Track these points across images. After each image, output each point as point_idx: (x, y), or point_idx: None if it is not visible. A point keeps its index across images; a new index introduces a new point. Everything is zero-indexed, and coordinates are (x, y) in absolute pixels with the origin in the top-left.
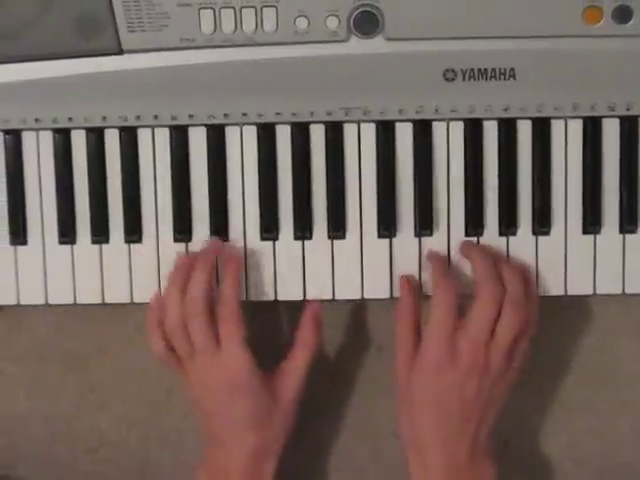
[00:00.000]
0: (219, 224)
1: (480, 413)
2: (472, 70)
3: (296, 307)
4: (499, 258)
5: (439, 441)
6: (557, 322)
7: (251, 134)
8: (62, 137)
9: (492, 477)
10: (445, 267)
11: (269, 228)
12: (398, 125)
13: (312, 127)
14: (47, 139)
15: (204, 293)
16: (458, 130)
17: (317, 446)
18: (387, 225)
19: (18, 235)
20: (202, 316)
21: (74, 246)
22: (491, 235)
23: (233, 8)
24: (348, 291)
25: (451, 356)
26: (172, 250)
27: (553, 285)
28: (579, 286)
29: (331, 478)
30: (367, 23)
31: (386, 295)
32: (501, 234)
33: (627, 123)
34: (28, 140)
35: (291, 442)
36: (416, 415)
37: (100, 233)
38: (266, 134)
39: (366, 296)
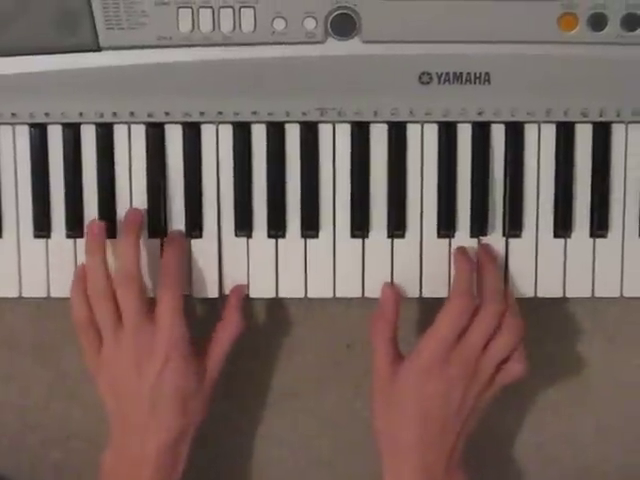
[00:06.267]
0: (194, 220)
1: (461, 424)
2: (447, 74)
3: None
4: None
5: (417, 448)
6: (525, 324)
7: (227, 132)
8: (38, 132)
9: None
10: (472, 277)
11: (243, 226)
12: (373, 126)
13: (287, 127)
14: (23, 134)
15: (134, 261)
16: (432, 133)
17: (286, 440)
18: (360, 225)
19: None
20: (134, 285)
21: (49, 240)
22: (463, 236)
23: (211, 8)
24: (320, 289)
25: (443, 364)
26: (145, 245)
27: (523, 287)
28: (549, 289)
29: (302, 471)
30: (344, 25)
31: (358, 294)
32: (472, 236)
33: (599, 129)
34: (4, 134)
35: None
36: (397, 417)
37: (75, 227)
38: (242, 133)
39: (338, 295)
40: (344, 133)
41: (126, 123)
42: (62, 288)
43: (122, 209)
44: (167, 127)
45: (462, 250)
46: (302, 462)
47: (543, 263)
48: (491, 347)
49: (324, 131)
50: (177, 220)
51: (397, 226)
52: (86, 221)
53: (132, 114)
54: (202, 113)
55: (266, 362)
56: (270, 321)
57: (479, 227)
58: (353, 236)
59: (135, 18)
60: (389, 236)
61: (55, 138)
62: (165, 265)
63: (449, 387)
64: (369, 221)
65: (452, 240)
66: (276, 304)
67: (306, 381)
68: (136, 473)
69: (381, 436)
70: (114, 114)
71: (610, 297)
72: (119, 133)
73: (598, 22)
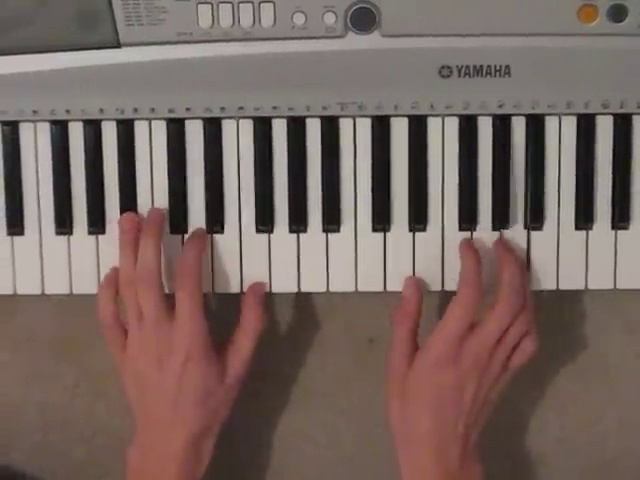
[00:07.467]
0: (215, 216)
1: (475, 416)
2: (467, 67)
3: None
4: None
5: (432, 441)
6: (547, 316)
7: (248, 127)
8: (59, 129)
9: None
10: (478, 268)
11: (264, 221)
12: (393, 120)
13: (308, 121)
14: (44, 131)
15: (155, 259)
16: (453, 126)
17: (310, 435)
18: (381, 219)
19: (15, 225)
20: (153, 282)
21: (70, 237)
22: (484, 230)
23: (231, 3)
24: (342, 284)
25: (455, 355)
26: (167, 241)
27: (545, 279)
28: (570, 281)
29: (325, 466)
30: (364, 19)
31: (380, 288)
32: (494, 229)
33: (620, 121)
34: (25, 131)
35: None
36: (411, 411)
37: (96, 224)
38: (262, 128)
39: (360, 289)
40: (365, 127)
41: (147, 119)
42: (84, 285)
43: (143, 205)
44: (188, 123)
45: (467, 242)
46: (325, 457)
47: (565, 255)
48: (504, 340)
49: (345, 125)
50: (198, 216)
51: (418, 220)
52: (108, 218)
53: (153, 110)
54: (223, 108)
55: (288, 357)
56: (292, 316)
57: (500, 220)
58: (374, 230)
59: (155, 14)
60: (410, 230)
61: (76, 135)
62: (185, 263)
63: (462, 380)
64: (390, 215)
65: (474, 233)
66: (298, 299)
67: (328, 376)
68: (162, 469)
69: (395, 428)
70: (135, 110)
71: (632, 289)
72: (140, 129)
73: (618, 13)
